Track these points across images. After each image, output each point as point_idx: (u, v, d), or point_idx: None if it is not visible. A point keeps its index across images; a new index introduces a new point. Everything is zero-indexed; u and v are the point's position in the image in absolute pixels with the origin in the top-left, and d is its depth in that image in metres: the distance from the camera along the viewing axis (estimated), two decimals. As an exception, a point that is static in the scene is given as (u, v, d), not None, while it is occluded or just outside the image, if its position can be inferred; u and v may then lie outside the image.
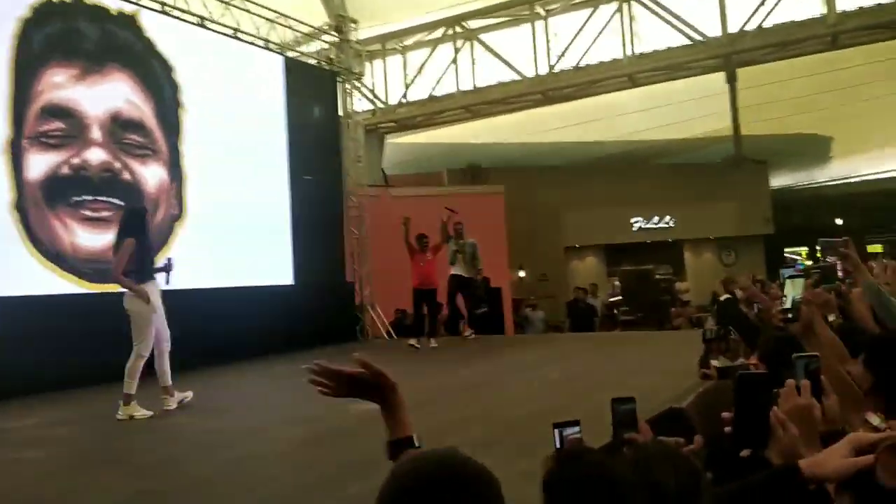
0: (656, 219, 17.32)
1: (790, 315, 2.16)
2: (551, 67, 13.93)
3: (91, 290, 7.39)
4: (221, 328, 8.09)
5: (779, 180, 18.61)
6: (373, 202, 12.44)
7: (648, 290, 14.58)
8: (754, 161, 17.12)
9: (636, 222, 17.33)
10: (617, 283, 16.36)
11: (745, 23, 12.70)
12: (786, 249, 18.30)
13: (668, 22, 13.24)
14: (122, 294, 5.49)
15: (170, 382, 5.46)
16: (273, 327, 8.92)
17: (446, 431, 4.31)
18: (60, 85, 7.42)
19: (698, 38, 13.18)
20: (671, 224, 17.42)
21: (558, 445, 1.61)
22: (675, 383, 4.64)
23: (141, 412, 5.21)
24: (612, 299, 15.15)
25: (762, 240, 17.49)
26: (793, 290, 2.22)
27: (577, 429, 1.65)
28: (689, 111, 15.27)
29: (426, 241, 9.24)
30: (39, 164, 7.17)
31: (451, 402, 5.41)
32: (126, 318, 5.38)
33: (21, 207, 6.94)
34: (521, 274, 16.60)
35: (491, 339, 11.33)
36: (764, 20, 12.58)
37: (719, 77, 14.70)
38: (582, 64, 13.82)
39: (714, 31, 13.10)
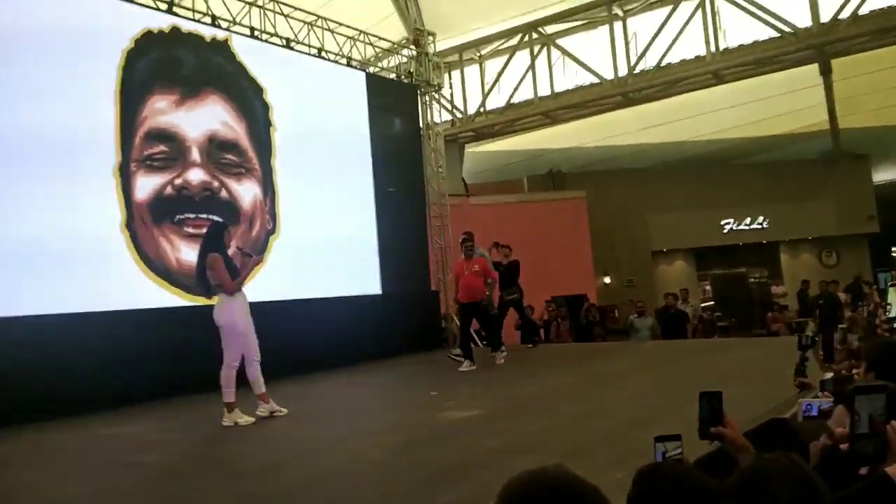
0: (748, 220, 16.63)
1: None
2: (631, 68, 13.67)
3: (196, 303, 7.83)
4: (313, 338, 8.42)
5: (882, 175, 17.50)
6: (454, 211, 12.57)
7: (742, 295, 14.01)
8: (854, 155, 16.18)
9: (727, 224, 16.70)
10: (708, 287, 15.82)
11: (839, 11, 12.06)
12: (893, 248, 17.16)
13: (754, 15, 12.75)
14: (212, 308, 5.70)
15: (263, 390, 5.63)
16: (362, 336, 9.18)
17: (536, 441, 4.31)
18: (162, 111, 7.93)
19: (787, 29, 12.61)
20: (765, 225, 16.69)
21: (659, 460, 1.56)
22: (775, 393, 4.45)
23: (244, 418, 5.44)
24: (704, 304, 14.63)
25: (866, 239, 16.49)
26: None
27: (678, 443, 1.60)
28: (781, 106, 14.61)
29: (469, 245, 8.34)
30: (146, 185, 7.67)
31: (540, 411, 5.39)
32: (216, 329, 5.55)
33: (130, 226, 7.44)
34: (607, 280, 16.31)
35: (580, 346, 11.20)
36: (859, 7, 11.90)
37: (812, 69, 13.99)
38: (663, 63, 13.49)
39: (804, 21, 12.50)
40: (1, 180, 6.44)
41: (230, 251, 5.72)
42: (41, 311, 6.45)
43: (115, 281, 7.15)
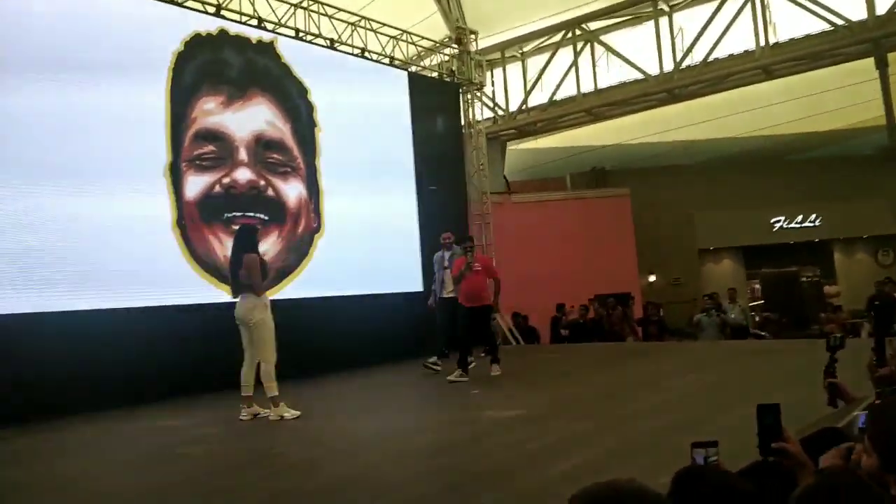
0: (800, 217, 16.14)
1: None
2: (677, 64, 13.39)
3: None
4: (355, 334, 8.53)
5: (943, 171, 16.75)
6: (496, 209, 12.54)
7: (793, 294, 13.59)
8: (912, 151, 15.54)
9: (777, 222, 16.24)
10: (757, 286, 15.41)
11: (896, 3, 11.61)
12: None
13: (805, 8, 12.36)
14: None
15: (251, 393, 5.65)
16: (404, 334, 9.25)
17: (581, 441, 4.28)
18: (210, 111, 8.12)
19: (841, 22, 12.19)
20: (817, 223, 16.17)
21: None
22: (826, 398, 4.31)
23: (290, 412, 5.55)
24: (752, 304, 14.25)
25: (924, 237, 15.84)
26: None
27: (715, 450, 1.58)
28: (835, 101, 14.12)
29: (469, 247, 7.58)
30: (195, 184, 7.87)
31: (583, 411, 5.35)
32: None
33: (181, 224, 7.64)
34: (652, 279, 16.06)
35: (622, 346, 11.06)
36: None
37: (867, 63, 13.48)
38: (710, 58, 13.19)
39: (859, 14, 12.06)
40: (60, 179, 6.69)
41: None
42: (97, 307, 6.69)
43: (167, 277, 7.36)
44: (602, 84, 14.50)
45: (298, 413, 5.57)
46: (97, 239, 6.86)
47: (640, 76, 13.91)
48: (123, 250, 6.98)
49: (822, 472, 1.24)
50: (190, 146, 7.89)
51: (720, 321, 10.72)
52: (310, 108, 9.20)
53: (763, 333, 11.90)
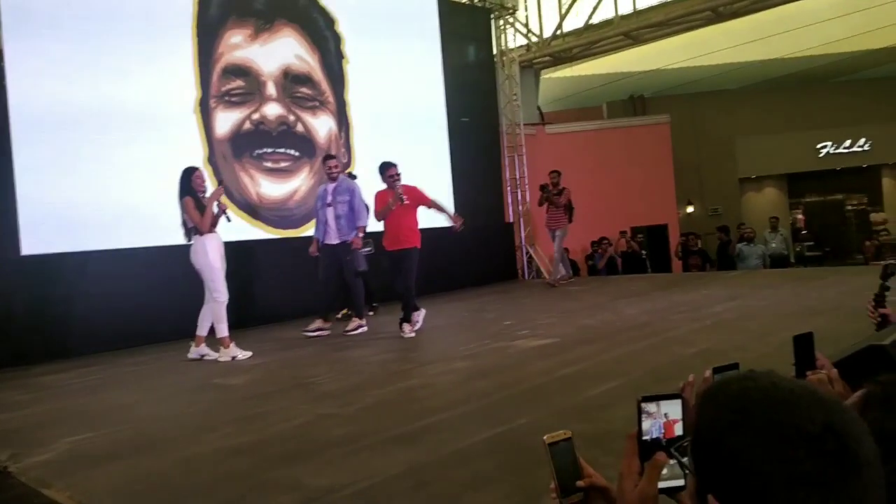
0: (848, 142, 15.50)
1: None
2: (722, -20, 12.67)
3: (276, 235, 8.11)
4: (385, 270, 8.54)
5: None
6: (529, 141, 12.30)
7: (838, 222, 13.20)
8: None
9: (823, 147, 15.64)
10: (800, 215, 14.99)
11: None
12: None
13: (865, -88, 11.48)
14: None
15: (204, 333, 5.71)
16: (437, 268, 9.24)
17: (611, 371, 4.28)
18: (237, 45, 8.01)
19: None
20: (866, 147, 15.52)
21: None
22: (865, 325, 4.20)
23: (242, 353, 5.61)
24: (794, 233, 13.89)
25: (983, 161, 15.12)
26: None
27: (736, 372, 1.54)
28: (890, 15, 13.26)
29: (395, 176, 6.25)
30: (225, 121, 7.86)
31: (616, 340, 5.33)
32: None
33: (213, 162, 7.68)
34: (690, 209, 15.73)
35: (656, 277, 10.95)
36: None
37: (929, -28, 12.56)
38: (758, -27, 12.43)
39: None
40: (94, 124, 6.74)
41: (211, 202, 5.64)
42: (133, 245, 6.84)
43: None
44: (641, 5, 13.84)
45: (250, 353, 5.63)
46: (130, 179, 6.95)
47: (681, -5, 13.22)
48: (157, 188, 7.06)
49: (875, 383, 1.17)
50: (218, 82, 7.84)
51: (762, 251, 10.51)
52: (337, 39, 9.01)
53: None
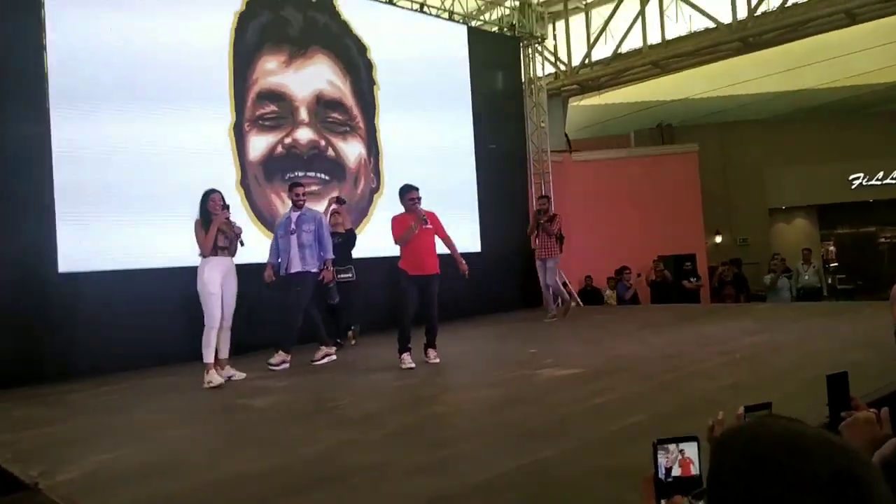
0: (881, 174, 15.24)
1: None
2: (752, 10, 12.68)
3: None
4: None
5: None
6: (556, 168, 12.32)
7: (869, 255, 12.94)
8: None
9: (856, 179, 15.39)
10: (832, 247, 14.74)
11: None
12: None
13: (899, -55, 11.43)
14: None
15: (225, 356, 5.72)
16: (462, 293, 9.23)
17: (635, 402, 4.23)
18: (272, 71, 8.20)
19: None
20: (900, 179, 15.25)
21: None
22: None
23: (217, 380, 5.50)
24: (826, 266, 13.64)
25: None
26: None
27: (767, 412, 1.52)
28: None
29: (417, 198, 6.37)
30: (258, 144, 8.01)
31: (641, 371, 5.27)
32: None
33: (245, 184, 7.82)
34: (718, 239, 15.56)
35: (685, 307, 10.81)
36: None
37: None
38: (788, 3, 12.42)
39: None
40: (130, 141, 6.92)
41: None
42: (164, 265, 6.96)
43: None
44: (670, 35, 13.88)
45: (222, 381, 5.53)
46: (164, 200, 7.10)
47: (711, 25, 13.25)
48: (192, 209, 7.19)
49: None
50: (252, 106, 8.01)
51: (789, 284, 10.33)
52: (369, 66, 9.17)
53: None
